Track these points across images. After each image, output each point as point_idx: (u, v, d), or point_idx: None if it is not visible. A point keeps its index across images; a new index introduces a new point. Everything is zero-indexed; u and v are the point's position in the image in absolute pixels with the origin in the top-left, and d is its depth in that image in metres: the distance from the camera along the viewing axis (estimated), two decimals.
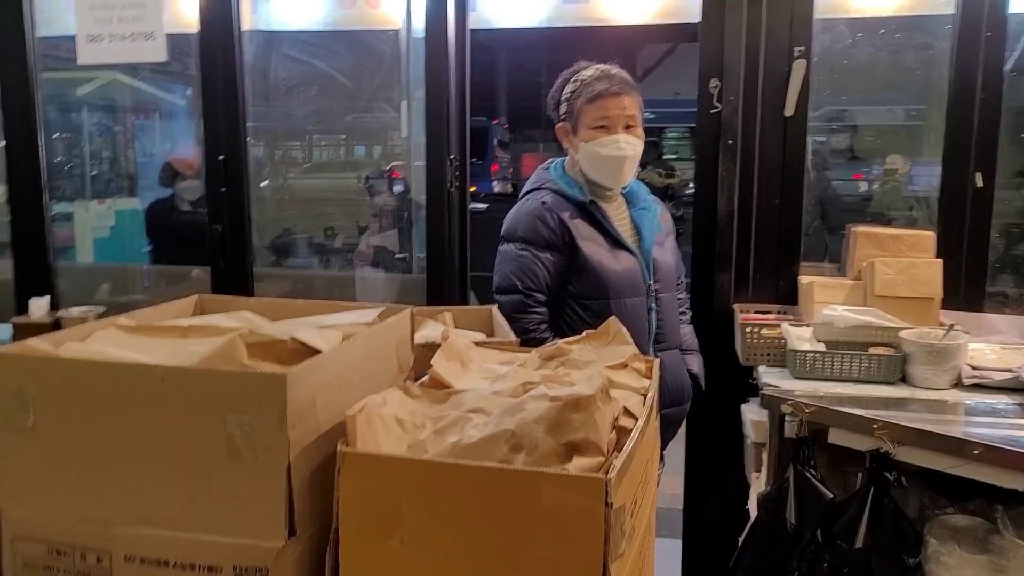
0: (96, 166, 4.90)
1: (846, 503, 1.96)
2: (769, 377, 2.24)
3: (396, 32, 3.62)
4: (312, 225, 4.49)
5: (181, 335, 1.12)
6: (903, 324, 2.25)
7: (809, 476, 2.01)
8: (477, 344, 1.34)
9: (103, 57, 3.08)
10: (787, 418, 2.09)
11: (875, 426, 1.92)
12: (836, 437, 2.00)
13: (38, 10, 3.18)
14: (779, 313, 2.60)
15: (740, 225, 2.61)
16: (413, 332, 1.23)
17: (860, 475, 2.06)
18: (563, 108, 2.06)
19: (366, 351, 1.06)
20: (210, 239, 3.09)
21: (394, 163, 3.84)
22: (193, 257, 4.09)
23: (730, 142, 2.57)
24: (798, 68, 2.53)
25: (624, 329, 1.25)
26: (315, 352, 0.97)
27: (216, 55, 2.98)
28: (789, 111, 2.55)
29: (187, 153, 5.48)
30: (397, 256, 3.78)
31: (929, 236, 2.49)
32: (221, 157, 3.02)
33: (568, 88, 2.05)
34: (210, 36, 2.99)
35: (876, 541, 1.87)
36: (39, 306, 3.15)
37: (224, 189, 3.04)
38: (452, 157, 2.89)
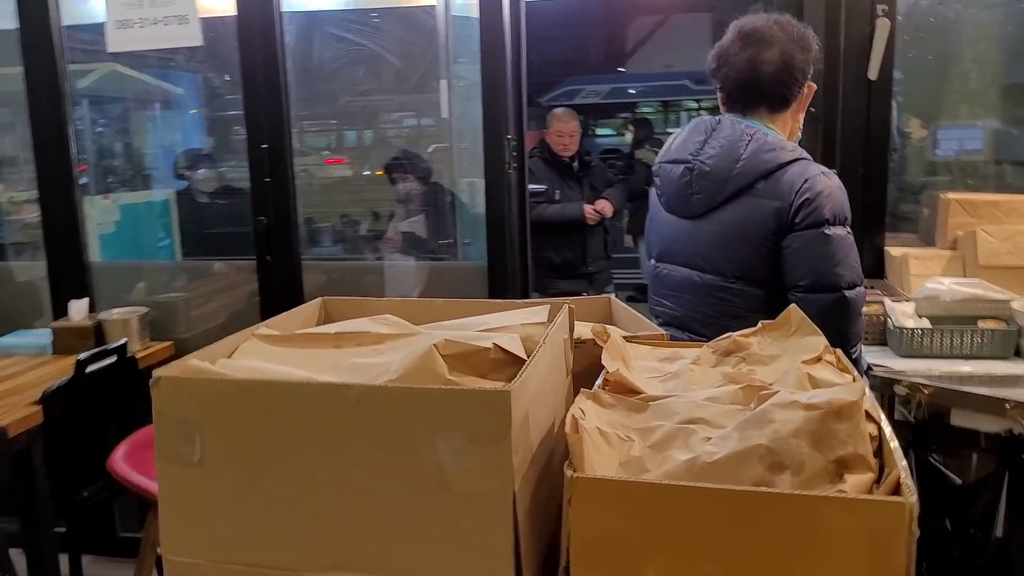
0: (99, 161, 4.74)
1: (976, 489, 1.85)
2: (870, 357, 2.12)
3: (432, 8, 3.47)
4: (330, 213, 4.33)
5: (335, 344, 0.99)
6: (1013, 296, 2.13)
7: (933, 461, 1.90)
8: (626, 340, 1.21)
9: (134, 44, 2.93)
10: (898, 400, 1.98)
11: (1008, 406, 1.80)
12: (960, 419, 1.88)
13: None
14: (866, 288, 2.47)
15: None
16: (572, 330, 1.11)
17: (975, 457, 1.96)
18: (812, 70, 1.80)
19: (552, 356, 0.93)
20: (255, 231, 2.96)
21: (435, 144, 3.68)
22: (217, 250, 3.98)
23: (812, 110, 2.42)
24: (882, 27, 2.39)
25: (806, 317, 1.13)
26: (517, 361, 0.85)
27: (255, 38, 2.83)
28: (873, 74, 2.41)
29: (197, 144, 5.36)
30: (442, 242, 3.64)
31: None
32: (265, 145, 2.88)
33: (815, 47, 1.80)
34: (248, 19, 2.84)
35: (1016, 529, 1.77)
36: (79, 308, 3.03)
37: (269, 179, 2.91)
38: (509, 137, 2.76)
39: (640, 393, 0.99)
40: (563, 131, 4.32)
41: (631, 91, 14.16)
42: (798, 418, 0.78)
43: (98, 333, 2.97)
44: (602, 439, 0.87)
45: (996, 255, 2.23)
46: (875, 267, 2.52)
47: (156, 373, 0.81)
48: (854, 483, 0.75)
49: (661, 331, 1.28)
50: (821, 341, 1.08)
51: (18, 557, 2.53)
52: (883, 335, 2.21)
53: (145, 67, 4.65)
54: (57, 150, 3.08)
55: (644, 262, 2.09)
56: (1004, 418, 1.81)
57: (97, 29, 3.22)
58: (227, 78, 3.37)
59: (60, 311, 3.10)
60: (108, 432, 2.96)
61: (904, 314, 2.13)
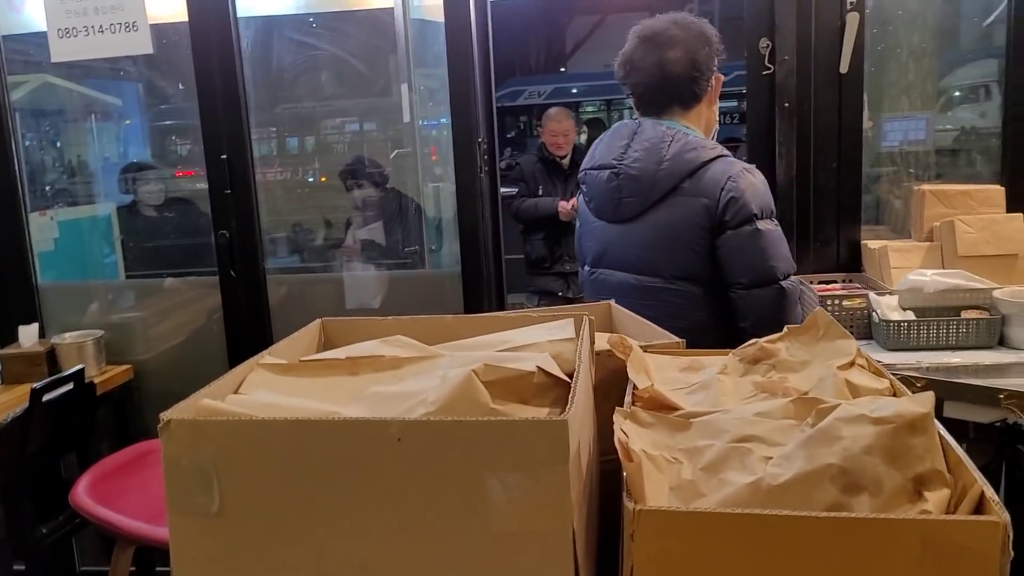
0: (32, 176, 4.54)
1: None
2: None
3: (390, 10, 3.38)
4: (280, 222, 4.20)
5: (349, 371, 0.92)
6: (993, 285, 2.15)
7: None
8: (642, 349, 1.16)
9: (80, 53, 2.79)
10: None
11: (1001, 396, 1.81)
12: (954, 411, 1.88)
13: None
14: (844, 282, 2.48)
15: (799, 192, 2.47)
16: (594, 343, 1.05)
17: (965, 448, 1.96)
18: (716, 61, 1.81)
19: (586, 376, 0.87)
20: (218, 246, 2.84)
21: (398, 151, 3.59)
22: (164, 265, 3.83)
23: (786, 104, 2.43)
24: (852, 21, 2.39)
25: (834, 320, 1.09)
26: (560, 384, 0.79)
27: (210, 46, 2.71)
28: (844, 68, 2.42)
29: (142, 156, 5.16)
30: (407, 249, 3.55)
31: (998, 190, 2.39)
32: (224, 156, 2.77)
33: (715, 40, 1.81)
34: (202, 25, 2.72)
35: (1014, 518, 1.77)
36: (29, 334, 2.87)
37: (229, 191, 2.79)
38: (480, 140, 2.69)
39: (677, 409, 0.94)
40: (556, 131, 4.31)
41: (573, 91, 14.24)
42: (869, 433, 0.73)
43: (50, 359, 2.81)
44: (649, 463, 0.81)
45: (974, 245, 2.24)
46: (851, 260, 2.53)
47: (165, 416, 0.73)
48: (935, 501, 0.70)
49: (675, 338, 1.23)
50: (852, 344, 1.04)
51: None
52: (868, 329, 2.21)
53: (82, 78, 4.46)
54: (2, 166, 2.91)
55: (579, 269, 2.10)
56: (998, 408, 1.81)
57: (31, 39, 3.06)
58: (181, 87, 3.22)
59: (6, 336, 2.94)
60: (62, 464, 2.81)
61: (889, 307, 2.13)
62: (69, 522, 2.57)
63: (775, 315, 1.73)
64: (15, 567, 2.55)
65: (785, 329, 1.11)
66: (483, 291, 2.74)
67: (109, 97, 4.70)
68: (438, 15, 2.86)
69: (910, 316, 2.12)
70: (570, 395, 0.74)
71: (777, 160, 2.46)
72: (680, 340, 1.23)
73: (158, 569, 2.95)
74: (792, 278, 1.78)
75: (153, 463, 2.56)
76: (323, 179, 4.39)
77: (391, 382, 0.89)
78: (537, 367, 0.79)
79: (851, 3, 2.38)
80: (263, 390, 0.86)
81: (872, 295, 2.17)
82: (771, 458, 0.78)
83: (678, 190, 1.74)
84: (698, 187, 1.72)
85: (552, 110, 4.50)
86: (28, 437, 2.35)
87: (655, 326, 1.31)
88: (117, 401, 2.90)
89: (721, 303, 1.78)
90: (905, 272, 2.26)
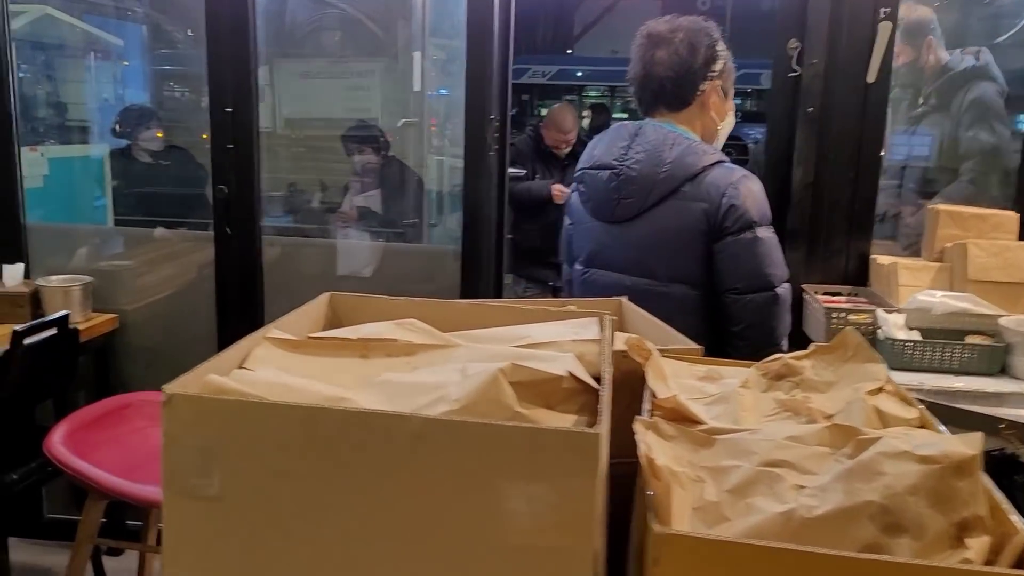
0: (25, 111, 4.43)
1: None
2: None
3: None
4: (277, 180, 4.12)
5: (360, 353, 0.87)
6: (1000, 312, 2.12)
7: None
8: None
9: None
10: None
11: (1001, 425, 1.78)
12: None
13: None
14: (849, 295, 2.45)
15: (813, 200, 2.43)
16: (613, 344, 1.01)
17: None
18: (718, 65, 1.79)
19: (611, 383, 0.83)
20: (215, 201, 2.77)
21: (406, 120, 3.52)
22: (155, 214, 3.73)
23: (810, 109, 2.38)
24: (884, 30, 2.34)
25: (864, 341, 1.05)
26: (588, 390, 0.74)
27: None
28: (872, 77, 2.37)
29: (140, 100, 5.04)
30: (406, 222, 3.49)
31: (1012, 217, 2.36)
32: (229, 110, 2.69)
33: (720, 43, 1.79)
34: None
35: None
36: (13, 273, 2.79)
37: (232, 146, 2.71)
38: (492, 117, 2.63)
39: (699, 422, 0.89)
40: (561, 134, 4.20)
41: (578, 74, 14.09)
42: (913, 472, 0.69)
43: (34, 301, 2.74)
44: (673, 480, 0.77)
45: (985, 270, 2.22)
46: (858, 273, 2.49)
47: (168, 390, 0.67)
48: (977, 549, 0.66)
49: (693, 344, 1.19)
50: (881, 369, 1.01)
51: None
52: (872, 346, 2.17)
53: (84, 13, 4.34)
54: None
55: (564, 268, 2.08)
56: (997, 437, 1.78)
57: None
58: (189, 32, 3.13)
59: None
60: (36, 410, 2.75)
61: (895, 325, 2.10)
62: (41, 470, 2.52)
63: (767, 321, 1.75)
64: None
65: (812, 346, 1.08)
66: (482, 272, 2.69)
67: (110, 36, 4.58)
68: None
69: (916, 336, 2.09)
70: (599, 405, 0.70)
71: (794, 165, 2.42)
72: (699, 346, 1.19)
73: (127, 523, 2.91)
74: (786, 285, 1.79)
75: (132, 416, 2.50)
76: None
77: (404, 370, 0.84)
78: (568, 372, 0.74)
79: (884, 12, 2.33)
80: (269, 366, 0.81)
81: (880, 312, 2.14)
82: (803, 487, 0.74)
83: (677, 193, 1.74)
84: (698, 191, 1.72)
85: (559, 109, 4.33)
86: (5, 381, 2.29)
87: (670, 328, 1.26)
88: (99, 350, 2.83)
89: (712, 307, 1.77)
90: (913, 290, 2.24)
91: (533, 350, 0.87)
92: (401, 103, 3.51)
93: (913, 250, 2.56)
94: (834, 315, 2.20)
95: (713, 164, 1.74)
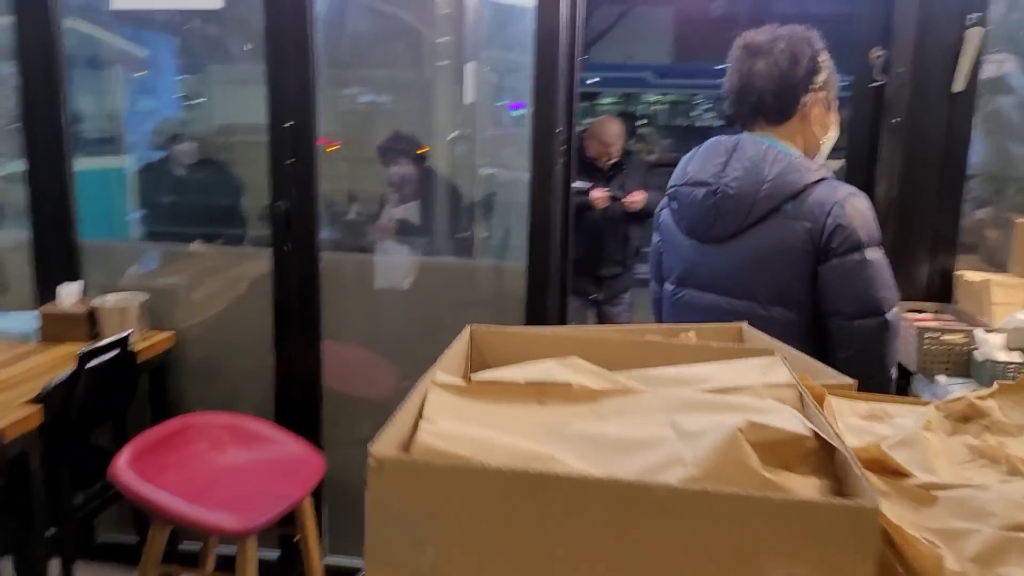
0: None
1: None
2: (955, 389, 2.00)
3: None
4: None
5: (536, 400, 0.80)
6: None
7: None
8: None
9: (142, 1, 2.64)
10: None
11: None
12: None
13: None
14: (935, 312, 2.36)
15: (899, 214, 2.35)
16: None
17: None
18: (821, 76, 1.71)
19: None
20: (274, 217, 2.71)
21: (456, 132, 3.46)
22: (190, 228, 3.67)
23: (895, 120, 2.30)
24: (972, 37, 2.26)
25: None
26: (824, 448, 0.67)
27: (286, 4, 2.58)
28: (959, 86, 2.28)
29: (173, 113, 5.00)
30: (459, 236, 3.43)
31: None
32: (290, 123, 2.64)
33: (823, 53, 1.71)
34: None
35: None
36: (70, 292, 2.75)
37: (292, 160, 2.66)
38: (559, 130, 2.56)
39: (905, 475, 0.82)
40: (604, 146, 4.11)
41: (592, 80, 14.00)
42: None
43: (90, 320, 2.69)
44: (911, 547, 0.70)
45: None
46: (942, 290, 2.41)
47: (377, 453, 0.61)
48: None
49: (845, 378, 1.11)
50: None
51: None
52: (966, 367, 2.09)
53: (119, 26, 4.30)
54: (48, 113, 2.79)
55: (653, 287, 2.00)
56: None
57: None
58: (248, 47, 3.08)
59: (44, 293, 2.82)
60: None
61: (995, 346, 2.02)
62: (102, 493, 2.47)
63: (877, 348, 1.65)
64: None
65: (995, 384, 1.00)
66: (549, 290, 2.62)
67: (139, 48, 4.54)
68: None
69: (1016, 357, 2.00)
70: (845, 467, 0.63)
71: (877, 178, 2.33)
72: (851, 380, 1.11)
73: (180, 548, 2.85)
74: (896, 309, 1.68)
75: (194, 438, 2.45)
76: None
77: (591, 419, 0.77)
78: (811, 431, 0.67)
79: (972, 18, 2.25)
80: (448, 416, 0.74)
81: (979, 332, 2.05)
82: None
83: (779, 212, 1.65)
84: (801, 210, 1.64)
85: (602, 121, 4.21)
86: (70, 403, 2.24)
87: (813, 359, 1.18)
88: (156, 369, 2.78)
89: (816, 332, 1.68)
90: (1007, 308, 2.15)
91: (725, 396, 0.79)
92: (451, 114, 3.45)
93: (997, 265, 2.47)
94: (926, 335, 2.11)
95: (817, 181, 1.65)
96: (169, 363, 2.83)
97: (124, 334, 2.44)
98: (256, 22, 2.60)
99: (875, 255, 1.65)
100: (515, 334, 1.02)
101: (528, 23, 2.52)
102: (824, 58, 1.72)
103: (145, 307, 2.75)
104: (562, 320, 2.71)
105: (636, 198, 3.99)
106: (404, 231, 3.81)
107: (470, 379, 0.84)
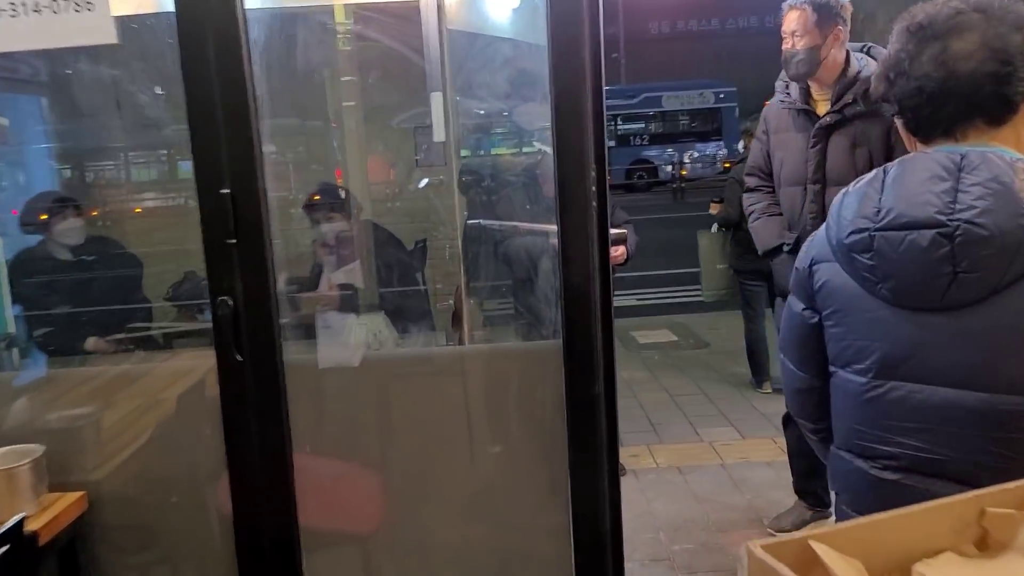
0: None
1: None
2: None
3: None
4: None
5: None
6: None
7: None
8: None
9: (16, 41, 1.91)
10: None
11: None
12: None
13: None
14: None
15: None
16: None
17: None
18: None
19: None
20: (216, 319, 2.00)
21: (426, 179, 2.83)
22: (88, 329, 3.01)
23: None
24: None
25: None
26: None
27: (205, 42, 1.90)
28: None
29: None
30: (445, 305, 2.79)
31: None
32: (226, 191, 1.95)
33: None
34: (191, 15, 1.90)
35: None
36: None
37: (234, 240, 1.96)
38: (593, 172, 1.98)
39: None
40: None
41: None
42: None
43: None
44: None
45: None
46: None
47: None
48: None
49: None
50: None
51: None
52: None
53: None
54: None
55: (782, 361, 1.46)
56: None
57: None
58: (158, 91, 2.36)
59: None
60: None
61: None
62: None
63: None
64: None
65: None
66: (594, 375, 2.02)
67: None
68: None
69: None
70: None
71: None
72: None
73: None
74: None
75: None
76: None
77: None
78: None
79: None
80: None
81: None
82: None
83: None
84: None
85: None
86: None
87: None
88: (65, 549, 1.99)
89: None
90: None
91: None
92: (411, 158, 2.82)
93: None
94: None
95: None
96: (83, 536, 2.04)
97: (15, 520, 1.67)
98: (170, 58, 1.91)
99: None
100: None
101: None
102: None
103: (41, 463, 1.97)
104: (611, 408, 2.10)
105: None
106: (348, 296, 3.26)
107: None
